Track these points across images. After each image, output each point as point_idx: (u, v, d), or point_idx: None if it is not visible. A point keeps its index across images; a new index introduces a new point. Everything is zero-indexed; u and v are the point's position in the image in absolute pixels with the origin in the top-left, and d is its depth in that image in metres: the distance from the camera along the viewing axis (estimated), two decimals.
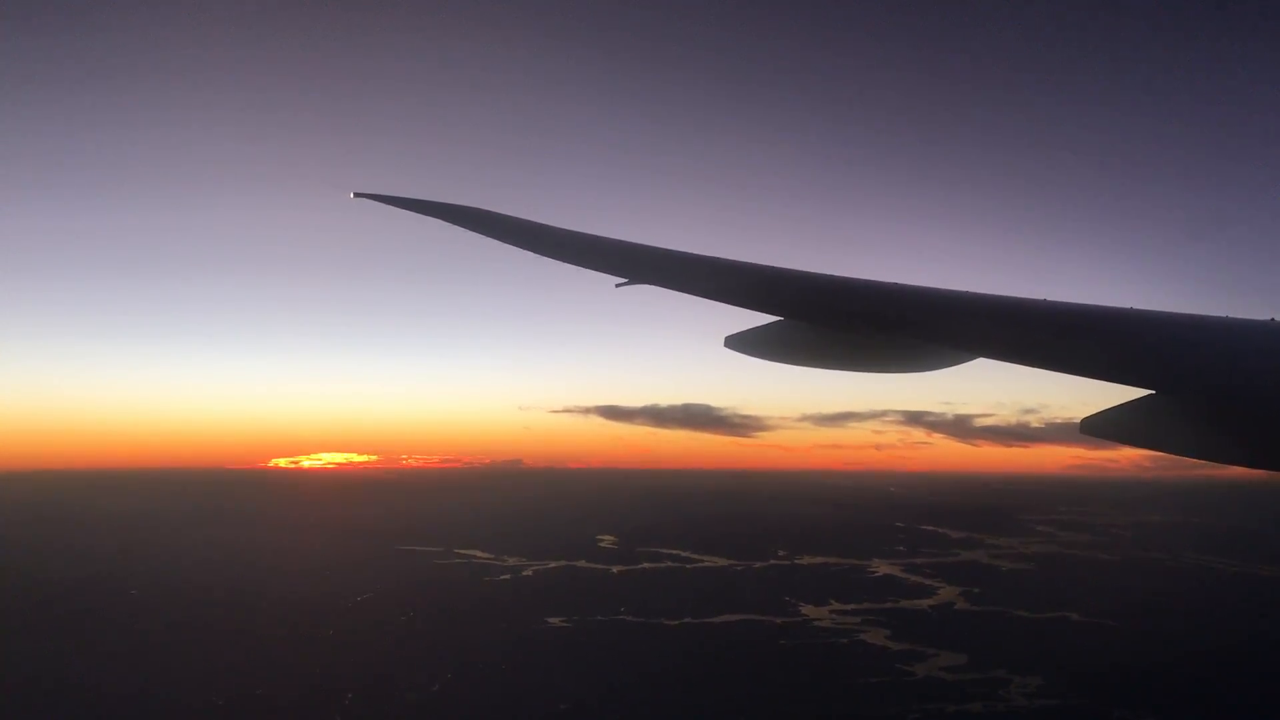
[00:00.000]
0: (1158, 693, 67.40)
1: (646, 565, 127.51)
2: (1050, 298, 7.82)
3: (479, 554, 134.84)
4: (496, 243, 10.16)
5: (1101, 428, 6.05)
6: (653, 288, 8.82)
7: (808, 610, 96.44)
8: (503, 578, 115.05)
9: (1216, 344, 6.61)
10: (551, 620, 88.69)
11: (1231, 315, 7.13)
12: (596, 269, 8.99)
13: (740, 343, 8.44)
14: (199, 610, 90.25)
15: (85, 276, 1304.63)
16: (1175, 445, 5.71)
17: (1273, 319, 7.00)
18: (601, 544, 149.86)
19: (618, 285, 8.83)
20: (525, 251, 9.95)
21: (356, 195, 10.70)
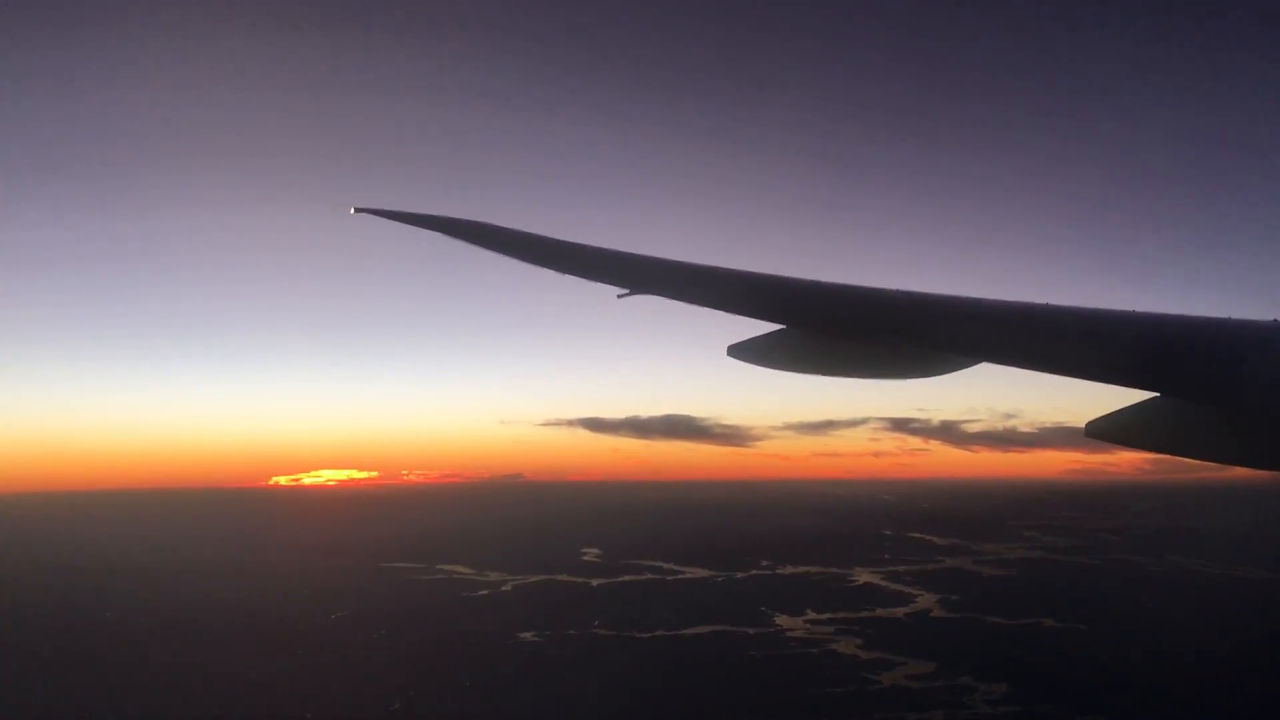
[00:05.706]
0: (1122, 697, 67.23)
1: (627, 578, 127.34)
2: (1054, 301, 7.89)
3: (461, 569, 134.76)
4: (488, 256, 10.15)
5: (1107, 431, 6.22)
6: (635, 299, 8.86)
7: (782, 620, 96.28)
8: (481, 593, 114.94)
9: (1221, 346, 6.70)
10: (523, 635, 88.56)
11: (1236, 317, 7.23)
12: (597, 280, 9.01)
13: (743, 352, 8.48)
14: (167, 634, 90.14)
15: (80, 291, 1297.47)
16: (1181, 447, 5.93)
17: (1277, 320, 7.09)
18: (585, 557, 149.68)
19: (619, 296, 8.88)
20: (507, 264, 9.91)
21: (358, 210, 10.77)
